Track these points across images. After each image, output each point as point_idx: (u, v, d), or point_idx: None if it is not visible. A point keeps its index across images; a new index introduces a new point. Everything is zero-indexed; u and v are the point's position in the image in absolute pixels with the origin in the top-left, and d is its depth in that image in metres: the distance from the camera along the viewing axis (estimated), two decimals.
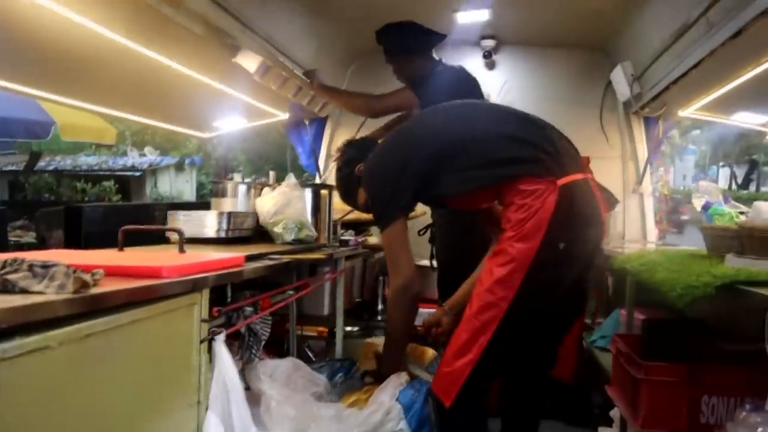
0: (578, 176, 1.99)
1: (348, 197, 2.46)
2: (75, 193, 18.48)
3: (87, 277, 1.08)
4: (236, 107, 3.91)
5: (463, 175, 2.04)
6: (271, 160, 19.16)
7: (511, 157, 2.00)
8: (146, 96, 3.53)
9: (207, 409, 1.50)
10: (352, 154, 2.39)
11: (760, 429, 1.33)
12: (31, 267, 1.10)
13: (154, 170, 20.76)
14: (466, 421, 2.04)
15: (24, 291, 1.04)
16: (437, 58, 3.18)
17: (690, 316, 2.34)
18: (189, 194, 21.26)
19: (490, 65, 4.48)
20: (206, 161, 22.43)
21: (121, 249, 1.89)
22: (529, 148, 2.00)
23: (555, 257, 1.92)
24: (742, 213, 1.97)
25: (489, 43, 4.38)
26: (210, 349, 1.54)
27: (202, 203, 2.91)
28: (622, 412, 2.28)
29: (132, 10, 2.22)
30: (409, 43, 3.04)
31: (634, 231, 4.35)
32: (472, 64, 4.38)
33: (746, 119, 4.00)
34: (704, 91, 3.50)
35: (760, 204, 1.68)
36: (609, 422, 2.89)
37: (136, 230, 1.93)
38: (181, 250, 1.84)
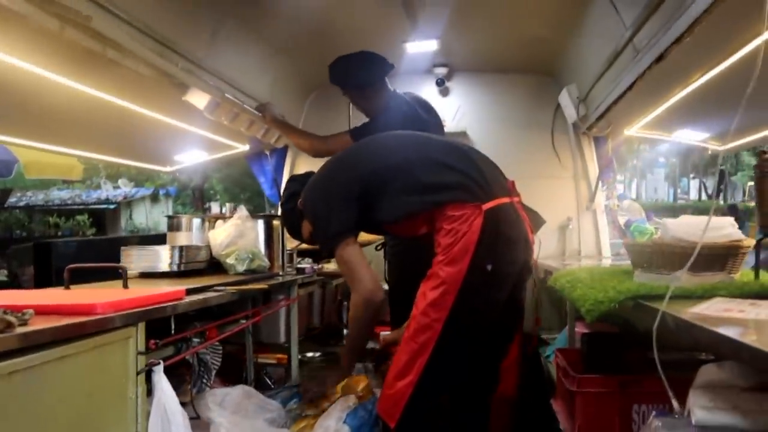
0: (504, 200, 2.10)
1: (293, 231, 2.53)
2: (48, 228, 18.34)
3: (12, 318, 1.15)
4: (195, 141, 3.99)
5: (397, 200, 2.13)
6: (248, 189, 19.16)
7: (440, 182, 2.10)
8: (106, 135, 3.60)
9: None
10: (294, 188, 2.46)
11: (661, 430, 1.42)
12: None
13: (129, 202, 20.69)
14: None
15: None
16: (391, 88, 3.17)
17: (631, 328, 2.45)
18: (165, 225, 21.16)
19: (444, 92, 4.63)
20: (182, 192, 22.40)
21: (67, 287, 1.95)
22: (456, 175, 2.10)
23: (483, 278, 2.01)
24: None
25: (441, 71, 4.54)
26: (149, 381, 1.61)
27: (156, 242, 2.93)
28: (561, 423, 2.37)
29: (80, 55, 2.29)
30: (360, 77, 3.04)
31: (590, 247, 4.49)
32: (427, 91, 4.54)
33: (687, 136, 4.17)
34: (642, 111, 3.67)
35: (668, 221, 1.79)
36: None
37: (81, 268, 1.99)
38: (125, 286, 1.91)
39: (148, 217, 21.24)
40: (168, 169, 4.47)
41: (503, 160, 2.44)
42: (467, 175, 2.09)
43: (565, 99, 4.15)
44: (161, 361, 1.64)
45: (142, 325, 1.56)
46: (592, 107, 3.96)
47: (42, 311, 1.33)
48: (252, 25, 3.30)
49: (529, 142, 4.53)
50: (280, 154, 4.69)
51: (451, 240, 2.01)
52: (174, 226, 2.93)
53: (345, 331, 4.02)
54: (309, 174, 2.50)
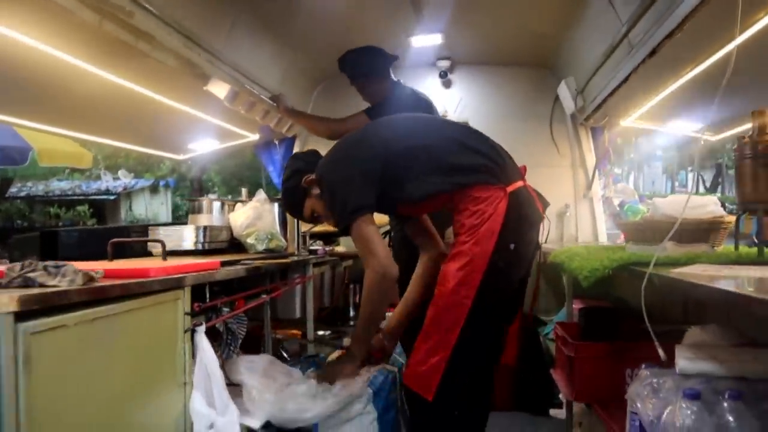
0: (520, 183, 2.20)
1: (293, 209, 2.52)
2: (48, 218, 18.44)
3: (93, 273, 1.34)
4: (209, 130, 4.17)
5: (422, 181, 2.17)
6: (245, 180, 19.31)
7: (466, 164, 2.15)
8: (125, 122, 3.78)
9: (193, 389, 1.75)
10: (298, 165, 2.44)
11: (649, 379, 1.62)
12: (45, 267, 1.36)
13: (128, 193, 20.78)
14: (450, 415, 2.18)
15: (42, 285, 1.30)
16: (396, 79, 3.46)
17: (625, 305, 2.65)
18: (164, 216, 21.28)
19: (447, 84, 4.82)
20: (180, 183, 22.53)
21: (110, 260, 2.14)
22: (481, 158, 2.16)
23: (507, 257, 2.09)
24: None
25: (444, 64, 4.72)
26: (192, 340, 1.80)
27: (178, 224, 2.99)
28: (561, 389, 2.57)
29: (111, 46, 2.46)
30: (366, 67, 3.32)
31: (587, 233, 4.69)
32: (430, 83, 4.73)
33: (680, 127, 4.37)
34: (637, 103, 3.86)
35: (658, 200, 1.98)
36: (561, 405, 3.19)
37: (123, 242, 2.18)
38: (164, 259, 2.09)
39: (147, 208, 21.36)
40: (181, 157, 4.64)
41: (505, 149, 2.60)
42: (490, 158, 2.16)
43: (564, 91, 4.34)
44: (203, 323, 1.84)
45: (188, 289, 1.75)
46: (590, 99, 4.15)
47: (107, 275, 1.51)
48: (265, 20, 3.48)
49: (529, 133, 4.71)
50: (289, 143, 4.87)
51: (478, 221, 2.08)
52: (195, 208, 3.10)
53: (352, 313, 4.22)
54: (313, 153, 2.51)
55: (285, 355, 3.39)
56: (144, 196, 21.65)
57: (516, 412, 3.89)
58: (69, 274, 1.33)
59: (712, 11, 2.26)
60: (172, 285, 1.65)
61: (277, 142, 4.79)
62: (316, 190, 2.36)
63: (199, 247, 2.75)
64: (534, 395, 3.82)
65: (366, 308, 2.29)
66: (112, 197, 19.98)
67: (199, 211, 3.10)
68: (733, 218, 1.89)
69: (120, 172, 20.08)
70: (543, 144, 4.75)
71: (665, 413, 1.47)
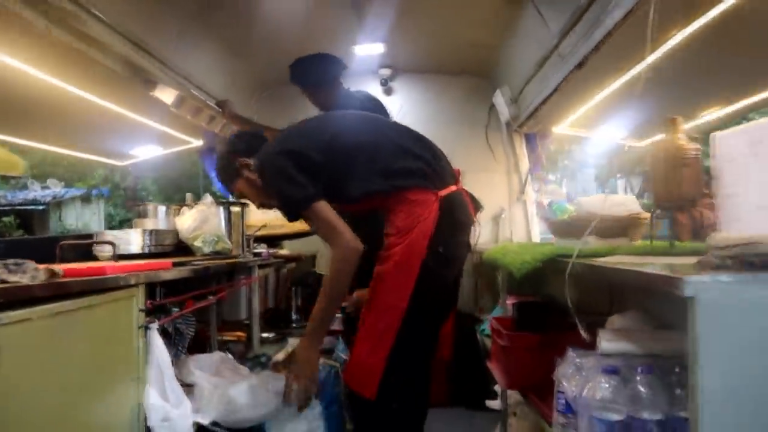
0: (454, 188, 2.28)
1: (225, 182, 2.53)
2: None
3: (55, 269, 1.39)
4: (152, 135, 4.19)
5: (362, 180, 2.20)
6: (182, 189, 18.97)
7: (407, 168, 2.21)
8: (64, 127, 3.76)
9: (147, 384, 1.81)
10: (237, 146, 2.45)
11: (574, 360, 1.78)
12: (5, 265, 1.40)
13: (58, 203, 20.03)
14: (391, 412, 2.23)
15: (3, 282, 1.34)
16: (346, 87, 3.49)
17: (554, 300, 2.83)
18: (97, 226, 20.62)
19: (388, 91, 4.97)
20: (114, 192, 21.91)
21: (59, 262, 2.16)
22: (418, 162, 2.23)
23: (439, 259, 2.16)
24: None
25: (386, 72, 4.88)
26: (146, 336, 1.86)
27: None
28: (497, 379, 2.72)
29: (55, 49, 2.46)
30: (316, 75, 3.35)
31: (521, 235, 4.91)
32: (372, 90, 4.82)
33: (608, 134, 4.65)
34: (567, 111, 4.10)
35: (582, 199, 2.17)
36: (496, 396, 3.36)
37: (72, 245, 2.21)
38: (115, 260, 2.14)
39: (78, 218, 20.66)
40: (123, 163, 4.62)
41: None
42: (427, 162, 2.23)
43: (499, 99, 4.56)
44: (156, 320, 1.90)
45: (143, 287, 1.81)
46: (523, 107, 4.37)
47: (66, 273, 1.57)
48: (212, 27, 3.55)
49: (466, 139, 4.92)
50: None
51: (409, 223, 2.15)
52: (141, 213, 3.13)
53: (294, 316, 4.29)
54: (256, 135, 2.51)
55: (230, 356, 3.43)
56: (75, 206, 20.93)
57: (454, 408, 4.06)
58: (29, 271, 1.38)
59: (631, 28, 2.47)
60: (128, 282, 1.71)
61: None
62: (248, 174, 2.38)
63: (146, 250, 2.78)
64: (471, 390, 3.99)
65: (331, 291, 2.22)
66: (40, 207, 19.19)
67: (144, 215, 3.13)
68: (648, 215, 2.08)
69: (49, 181, 19.37)
70: (479, 149, 4.96)
71: (587, 388, 1.64)
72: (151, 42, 2.90)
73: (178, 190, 19.50)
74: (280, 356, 2.76)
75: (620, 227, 2.08)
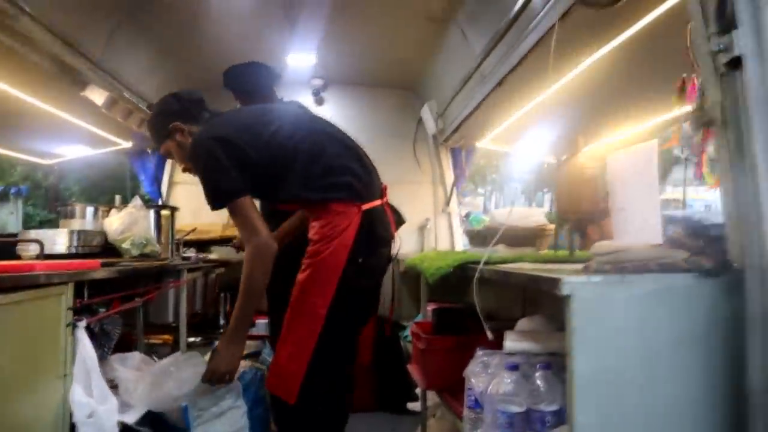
0: (377, 202, 2.37)
1: (154, 140, 2.51)
2: None
3: None
4: (81, 135, 4.13)
5: (293, 185, 2.25)
6: (107, 191, 18.35)
7: (333, 182, 2.27)
8: None
9: (73, 381, 1.85)
10: (172, 106, 2.45)
11: (482, 359, 1.95)
12: None
13: None
14: (312, 416, 2.31)
15: None
16: (280, 97, 3.51)
17: (472, 306, 3.01)
18: (14, 226, 19.68)
19: (319, 102, 5.08)
20: (34, 191, 20.97)
21: None
22: (348, 177, 2.28)
23: (358, 270, 2.24)
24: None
25: (318, 83, 4.98)
26: (74, 334, 1.90)
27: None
28: (416, 380, 2.87)
29: None
30: (250, 83, 3.34)
31: (445, 245, 5.11)
32: (303, 100, 4.94)
33: (528, 150, 4.91)
34: (489, 127, 4.32)
35: (495, 211, 2.35)
36: (417, 399, 3.51)
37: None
38: (42, 259, 2.16)
39: None
40: (48, 161, 4.53)
41: None
42: (357, 177, 2.29)
43: (426, 113, 4.75)
44: (84, 318, 1.94)
45: (71, 285, 1.85)
46: (449, 122, 4.56)
47: None
48: (145, 30, 3.56)
49: (394, 151, 5.07)
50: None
51: (332, 232, 2.22)
52: (68, 213, 3.12)
53: (222, 321, 4.33)
54: (196, 101, 2.51)
55: (156, 360, 3.45)
56: None
57: (379, 412, 4.19)
58: None
59: (543, 54, 2.68)
60: (57, 280, 1.75)
61: (150, 151, 4.80)
62: (180, 137, 2.39)
63: (73, 250, 2.78)
64: (395, 394, 4.13)
65: (247, 290, 2.27)
66: None
67: (71, 216, 3.12)
68: (553, 226, 2.28)
69: None
70: (407, 161, 5.12)
71: (492, 384, 1.80)
72: (82, 41, 2.91)
73: (101, 192, 18.86)
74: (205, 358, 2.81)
75: (528, 237, 2.28)
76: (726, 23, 1.18)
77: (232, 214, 2.24)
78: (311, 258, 2.26)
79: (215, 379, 2.29)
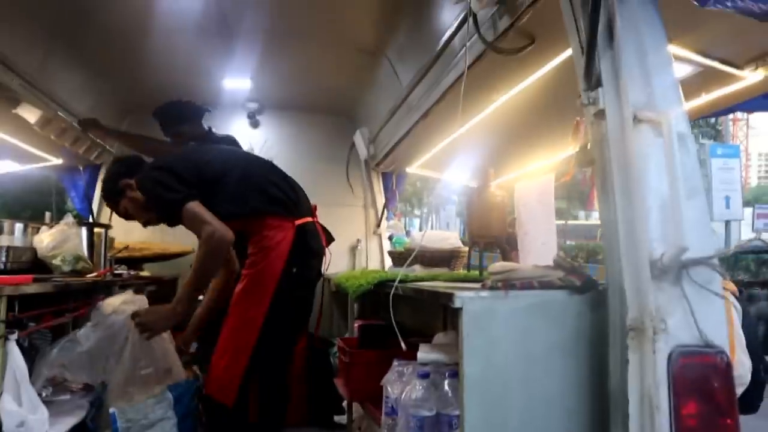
0: (309, 219, 2.61)
1: (111, 204, 2.75)
2: None
3: None
4: (9, 151, 4.10)
5: (233, 201, 2.46)
6: (30, 207, 17.69)
7: (267, 197, 2.50)
8: None
9: (2, 392, 1.92)
10: (118, 169, 2.68)
11: (397, 369, 2.12)
12: None
13: None
14: (246, 423, 2.49)
15: None
16: (207, 128, 3.73)
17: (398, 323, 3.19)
18: None
19: (254, 124, 5.20)
20: None
21: None
22: (280, 194, 2.53)
23: (292, 280, 2.45)
24: None
25: (253, 106, 5.10)
26: (5, 347, 1.97)
27: None
28: (342, 392, 3.02)
29: None
30: (178, 120, 3.59)
31: (376, 265, 5.29)
32: (239, 123, 5.09)
33: (455, 176, 5.16)
34: (417, 154, 4.55)
35: (415, 234, 2.55)
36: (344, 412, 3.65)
37: None
38: None
39: None
40: None
41: (305, 188, 2.88)
42: (287, 195, 2.54)
43: (359, 139, 4.94)
44: (16, 331, 2.01)
45: (4, 299, 1.92)
46: (380, 147, 4.76)
47: None
48: (80, 49, 3.59)
49: (328, 174, 5.21)
50: (94, 169, 4.88)
51: (268, 245, 2.43)
52: None
53: None
54: (133, 157, 2.82)
55: None
56: None
57: (310, 427, 4.29)
58: None
59: (468, 85, 2.91)
60: None
61: (81, 168, 4.79)
62: (131, 193, 2.58)
63: (2, 266, 2.81)
64: (324, 408, 4.25)
65: (198, 271, 2.42)
66: None
67: None
68: (466, 249, 2.50)
69: None
70: (340, 185, 5.27)
71: (405, 391, 1.98)
72: (17, 60, 2.96)
73: (24, 206, 18.13)
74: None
75: (444, 258, 2.48)
76: (595, 81, 1.42)
77: (185, 219, 2.40)
78: (249, 269, 2.44)
79: (140, 323, 2.44)
